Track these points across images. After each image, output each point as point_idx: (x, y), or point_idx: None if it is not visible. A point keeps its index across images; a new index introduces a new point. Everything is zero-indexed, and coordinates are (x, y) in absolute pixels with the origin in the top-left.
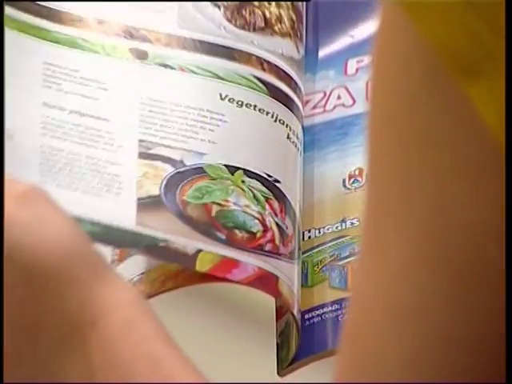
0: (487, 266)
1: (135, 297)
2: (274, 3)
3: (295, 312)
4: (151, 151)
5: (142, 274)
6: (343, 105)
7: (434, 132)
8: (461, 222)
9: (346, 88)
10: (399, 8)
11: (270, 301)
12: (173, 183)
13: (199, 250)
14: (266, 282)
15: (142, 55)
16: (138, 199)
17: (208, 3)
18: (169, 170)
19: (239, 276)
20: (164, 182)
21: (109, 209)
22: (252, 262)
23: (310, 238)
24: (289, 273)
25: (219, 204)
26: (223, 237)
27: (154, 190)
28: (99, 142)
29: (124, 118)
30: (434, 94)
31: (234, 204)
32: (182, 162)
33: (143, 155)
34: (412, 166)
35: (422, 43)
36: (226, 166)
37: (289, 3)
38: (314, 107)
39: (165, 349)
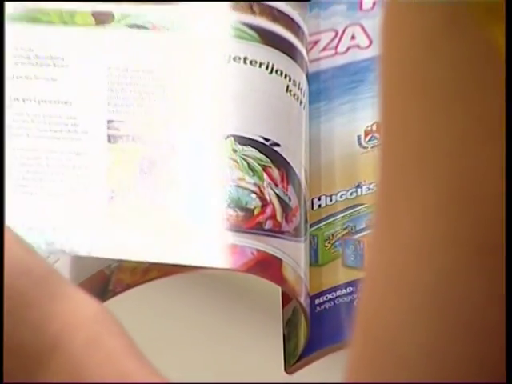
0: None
1: (98, 311)
2: None
3: (302, 300)
4: (122, 132)
5: (121, 261)
6: (358, 46)
7: (457, 84)
8: (487, 193)
9: (361, 26)
10: None
11: (274, 286)
12: (149, 166)
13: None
14: (267, 266)
15: (106, 18)
16: (111, 193)
17: None
18: (143, 151)
19: (237, 262)
20: (138, 167)
21: (75, 209)
22: (250, 244)
23: (320, 206)
24: (294, 253)
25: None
26: (216, 220)
27: (129, 177)
28: (61, 131)
29: (89, 97)
30: (456, 39)
31: (226, 179)
32: (158, 139)
33: (113, 138)
34: (432, 125)
35: None
36: (212, 136)
37: None
38: (323, 49)
39: (134, 365)
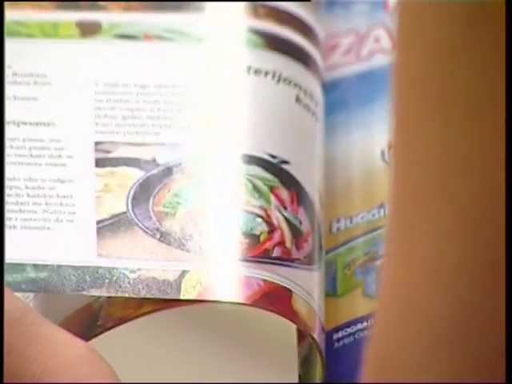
0: None
1: (80, 352)
2: None
3: (316, 336)
4: (112, 155)
5: None
6: (382, 50)
7: (477, 93)
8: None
9: (386, 28)
10: None
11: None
12: (143, 192)
13: (184, 272)
14: (275, 299)
15: (93, 29)
16: (98, 222)
17: None
18: (137, 175)
19: (240, 295)
20: (131, 193)
21: (59, 243)
22: (256, 274)
23: (339, 229)
24: (306, 283)
25: (207, 206)
26: (216, 248)
27: (119, 205)
28: (43, 156)
29: (74, 117)
30: (475, 41)
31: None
32: (154, 161)
33: (102, 162)
34: (450, 141)
35: None
36: (213, 154)
37: None
38: (345, 53)
39: None
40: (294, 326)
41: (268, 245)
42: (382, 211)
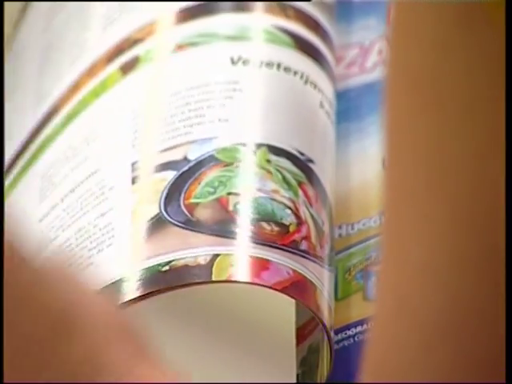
0: None
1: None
2: None
3: (333, 334)
4: (146, 168)
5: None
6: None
7: (471, 92)
8: (501, 215)
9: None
10: None
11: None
12: (175, 190)
13: (215, 256)
14: (303, 289)
15: (132, 64)
16: (133, 234)
17: None
18: (169, 176)
19: (271, 279)
20: (164, 195)
21: (100, 272)
22: (286, 262)
23: (340, 236)
24: (327, 282)
25: (238, 194)
26: (246, 233)
27: (153, 210)
28: (91, 203)
29: (115, 152)
30: (469, 40)
31: (259, 190)
32: (185, 158)
33: (137, 178)
34: (443, 141)
35: None
36: (243, 144)
37: None
38: (349, 66)
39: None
40: (293, 327)
41: (297, 236)
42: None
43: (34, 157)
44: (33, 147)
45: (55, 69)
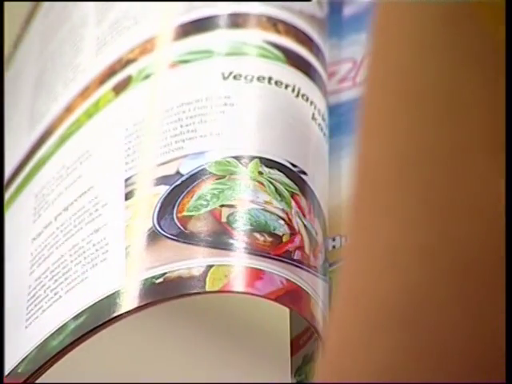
0: (499, 262)
1: None
2: None
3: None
4: (139, 183)
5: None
6: None
7: (453, 91)
8: (478, 210)
9: None
10: None
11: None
12: (168, 204)
13: (209, 267)
14: (297, 298)
15: (125, 84)
16: (127, 247)
17: None
18: (162, 191)
19: (264, 289)
20: (157, 209)
21: (94, 286)
22: (280, 272)
23: (334, 248)
24: (322, 292)
25: (231, 206)
26: (240, 244)
27: (146, 224)
28: (84, 220)
29: (109, 171)
30: (455, 40)
31: (252, 202)
32: (178, 173)
33: (130, 194)
34: (420, 135)
35: None
36: (235, 157)
37: None
38: (342, 81)
39: None
40: (287, 337)
41: (290, 246)
42: None
43: (29, 177)
44: (27, 168)
45: (49, 91)
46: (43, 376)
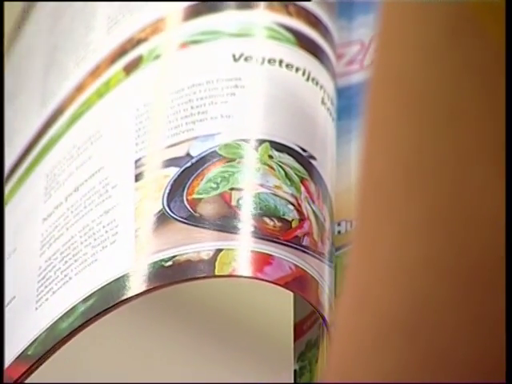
0: (502, 270)
1: None
2: None
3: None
4: (149, 165)
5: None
6: None
7: (456, 99)
8: (480, 220)
9: None
10: None
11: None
12: (177, 186)
13: (218, 250)
14: (305, 285)
15: (136, 63)
16: (136, 230)
17: None
18: (172, 172)
19: (273, 275)
20: (166, 191)
21: (104, 268)
22: (289, 257)
23: (339, 232)
24: (329, 279)
25: (240, 189)
26: (249, 228)
27: (156, 206)
28: (94, 201)
29: (119, 152)
30: (458, 49)
31: (261, 186)
32: (188, 154)
33: (140, 175)
34: (423, 143)
35: None
36: (246, 140)
37: None
38: (350, 63)
39: None
40: (290, 322)
41: (299, 232)
42: None
43: (40, 156)
44: (38, 147)
45: (60, 70)
46: (43, 376)
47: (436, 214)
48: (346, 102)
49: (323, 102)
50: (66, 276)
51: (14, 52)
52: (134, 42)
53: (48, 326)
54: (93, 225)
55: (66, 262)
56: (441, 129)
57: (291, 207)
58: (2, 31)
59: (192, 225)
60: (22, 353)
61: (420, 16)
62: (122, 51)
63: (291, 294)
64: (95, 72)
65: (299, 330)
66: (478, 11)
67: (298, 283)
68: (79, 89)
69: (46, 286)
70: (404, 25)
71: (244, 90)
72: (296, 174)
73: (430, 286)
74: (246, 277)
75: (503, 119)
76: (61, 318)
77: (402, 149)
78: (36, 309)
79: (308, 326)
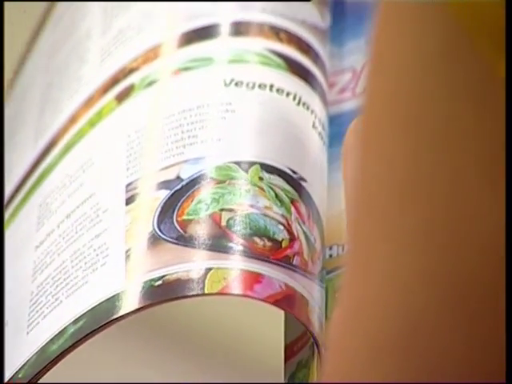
0: (499, 286)
1: None
2: None
3: (323, 351)
4: (139, 189)
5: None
6: None
7: (451, 116)
8: (476, 235)
9: None
10: None
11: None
12: (168, 208)
13: (208, 269)
14: (295, 303)
15: (127, 92)
16: (127, 251)
17: None
18: (163, 195)
19: (263, 293)
20: (157, 213)
21: (94, 290)
22: (279, 276)
23: (331, 256)
24: (319, 299)
25: (231, 210)
26: (239, 247)
27: (146, 228)
28: (86, 226)
29: (110, 177)
30: (454, 65)
31: (252, 206)
32: (178, 177)
33: (131, 199)
34: (418, 160)
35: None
36: (236, 163)
37: None
38: (342, 91)
39: None
40: (281, 343)
41: (289, 252)
42: None
43: (33, 188)
44: (32, 179)
45: (55, 105)
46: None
47: (430, 229)
48: (337, 129)
49: (314, 126)
50: (56, 300)
51: (13, 92)
52: (126, 72)
53: (38, 348)
54: (84, 249)
55: (57, 286)
56: (435, 143)
57: (281, 227)
58: (2, 31)
59: (182, 245)
60: (13, 376)
61: (416, 31)
62: (114, 81)
63: (282, 314)
64: (88, 103)
65: (290, 351)
66: (472, 28)
67: (288, 301)
68: (72, 120)
69: (37, 311)
70: (399, 40)
71: (234, 114)
72: (286, 195)
73: (424, 304)
74: (235, 295)
75: (500, 132)
76: (51, 340)
77: (396, 164)
78: (27, 333)
79: (299, 348)
